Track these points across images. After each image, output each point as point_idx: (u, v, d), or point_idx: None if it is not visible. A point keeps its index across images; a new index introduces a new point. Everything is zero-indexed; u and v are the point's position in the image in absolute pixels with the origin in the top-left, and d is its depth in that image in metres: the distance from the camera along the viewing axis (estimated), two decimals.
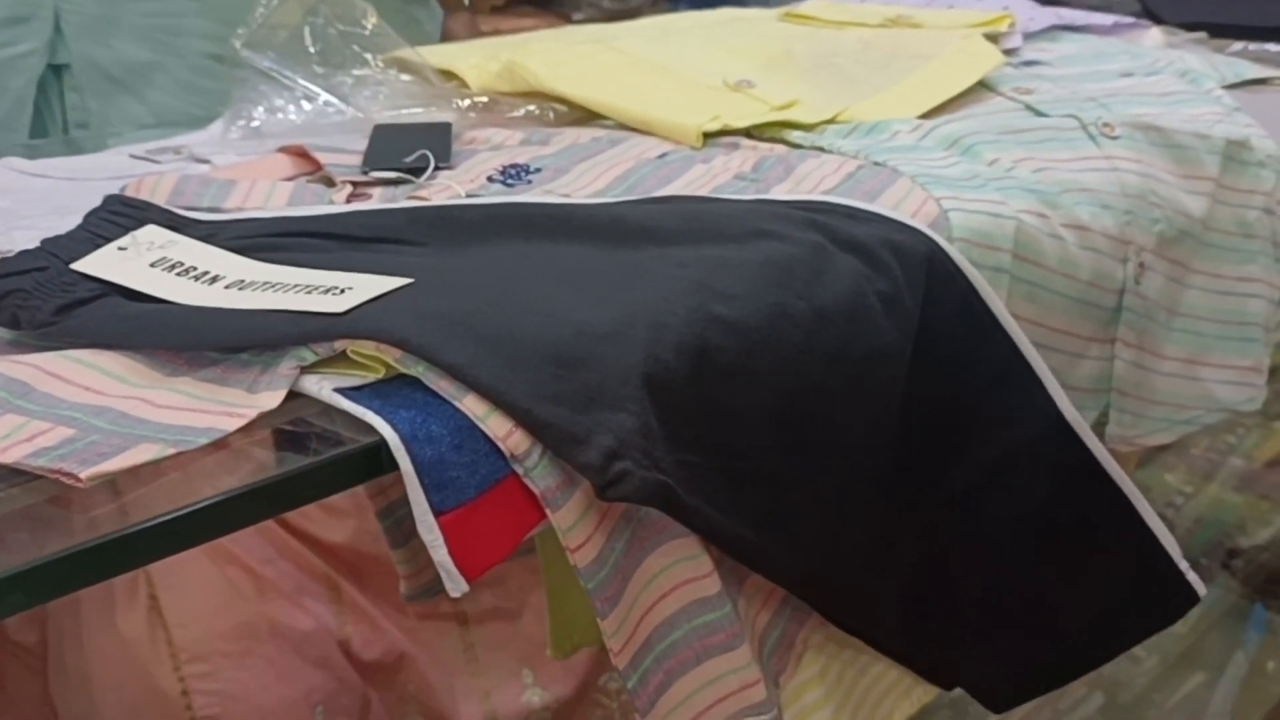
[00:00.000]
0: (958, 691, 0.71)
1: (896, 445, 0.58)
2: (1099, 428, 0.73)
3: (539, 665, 0.99)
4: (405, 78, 0.83)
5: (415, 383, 0.44)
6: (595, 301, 0.48)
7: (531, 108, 0.81)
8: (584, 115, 0.80)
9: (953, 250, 0.60)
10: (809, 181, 0.65)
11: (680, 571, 0.51)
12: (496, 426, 0.43)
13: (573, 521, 0.45)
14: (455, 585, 0.43)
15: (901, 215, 0.60)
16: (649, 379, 0.46)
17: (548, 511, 0.44)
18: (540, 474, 0.44)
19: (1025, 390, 0.61)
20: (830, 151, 0.71)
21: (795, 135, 0.74)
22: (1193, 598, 0.63)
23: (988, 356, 0.60)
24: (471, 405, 0.43)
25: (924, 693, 0.71)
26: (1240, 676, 1.46)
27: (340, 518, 0.94)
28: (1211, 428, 1.12)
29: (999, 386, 0.61)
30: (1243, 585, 1.49)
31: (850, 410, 0.55)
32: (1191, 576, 0.63)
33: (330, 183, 0.66)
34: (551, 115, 0.80)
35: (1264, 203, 0.79)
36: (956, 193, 0.64)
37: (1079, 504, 0.62)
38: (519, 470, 0.43)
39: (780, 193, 0.64)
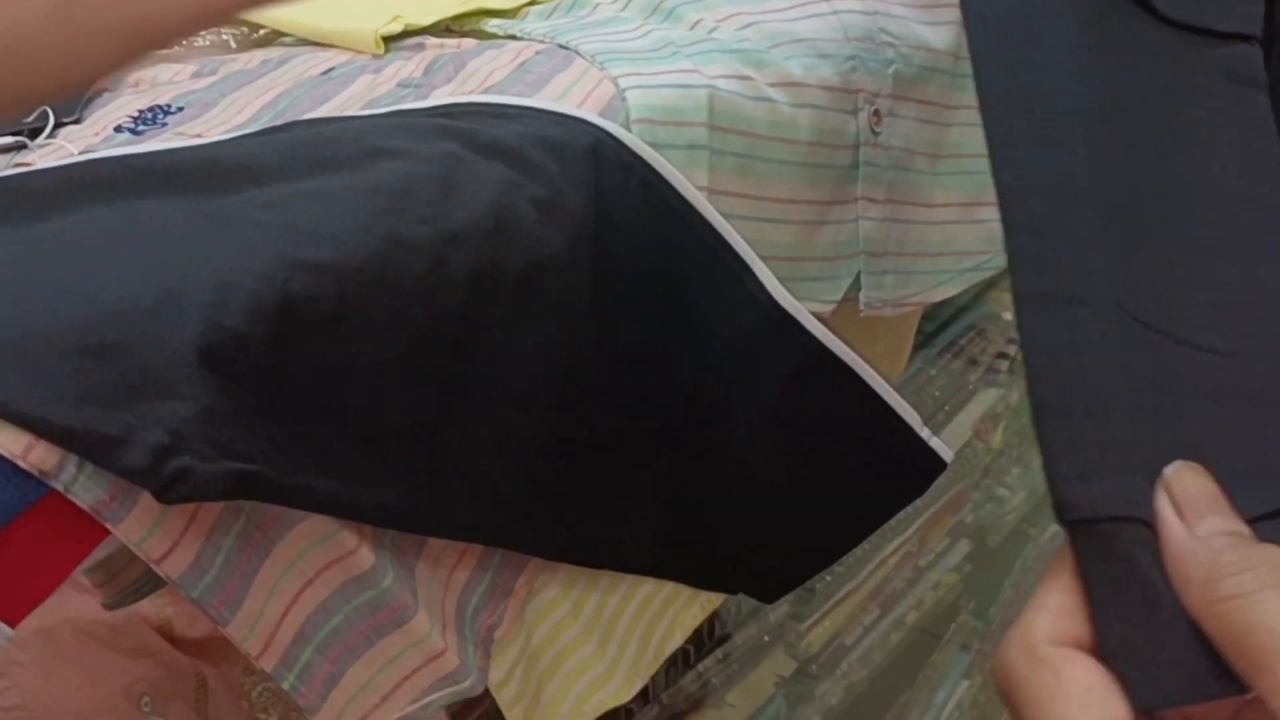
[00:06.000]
0: None
1: (610, 357, 0.53)
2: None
3: None
4: None
5: None
6: (149, 269, 0.41)
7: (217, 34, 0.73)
8: (271, 34, 0.72)
9: (627, 136, 0.53)
10: (475, 79, 0.58)
11: (322, 553, 0.45)
12: (10, 443, 0.36)
13: (145, 531, 0.39)
14: None
15: (563, 106, 0.53)
16: (210, 353, 0.39)
17: (109, 527, 0.38)
18: (85, 486, 0.37)
19: (736, 279, 0.55)
20: (520, 38, 0.63)
21: (493, 24, 0.67)
22: (939, 464, 0.59)
23: (688, 247, 0.54)
24: None
25: (709, 599, 0.68)
26: None
27: None
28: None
29: (708, 277, 0.55)
30: None
31: (514, 333, 0.49)
32: (935, 443, 0.59)
33: None
34: (233, 42, 0.72)
35: None
36: (638, 68, 0.57)
37: (812, 390, 0.57)
38: (58, 487, 0.37)
39: (442, 96, 0.56)
